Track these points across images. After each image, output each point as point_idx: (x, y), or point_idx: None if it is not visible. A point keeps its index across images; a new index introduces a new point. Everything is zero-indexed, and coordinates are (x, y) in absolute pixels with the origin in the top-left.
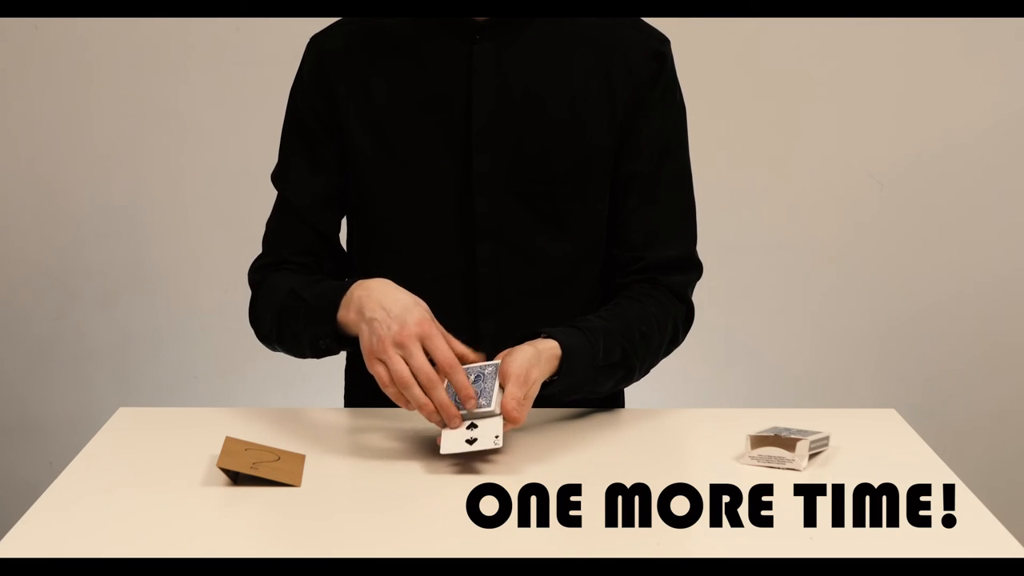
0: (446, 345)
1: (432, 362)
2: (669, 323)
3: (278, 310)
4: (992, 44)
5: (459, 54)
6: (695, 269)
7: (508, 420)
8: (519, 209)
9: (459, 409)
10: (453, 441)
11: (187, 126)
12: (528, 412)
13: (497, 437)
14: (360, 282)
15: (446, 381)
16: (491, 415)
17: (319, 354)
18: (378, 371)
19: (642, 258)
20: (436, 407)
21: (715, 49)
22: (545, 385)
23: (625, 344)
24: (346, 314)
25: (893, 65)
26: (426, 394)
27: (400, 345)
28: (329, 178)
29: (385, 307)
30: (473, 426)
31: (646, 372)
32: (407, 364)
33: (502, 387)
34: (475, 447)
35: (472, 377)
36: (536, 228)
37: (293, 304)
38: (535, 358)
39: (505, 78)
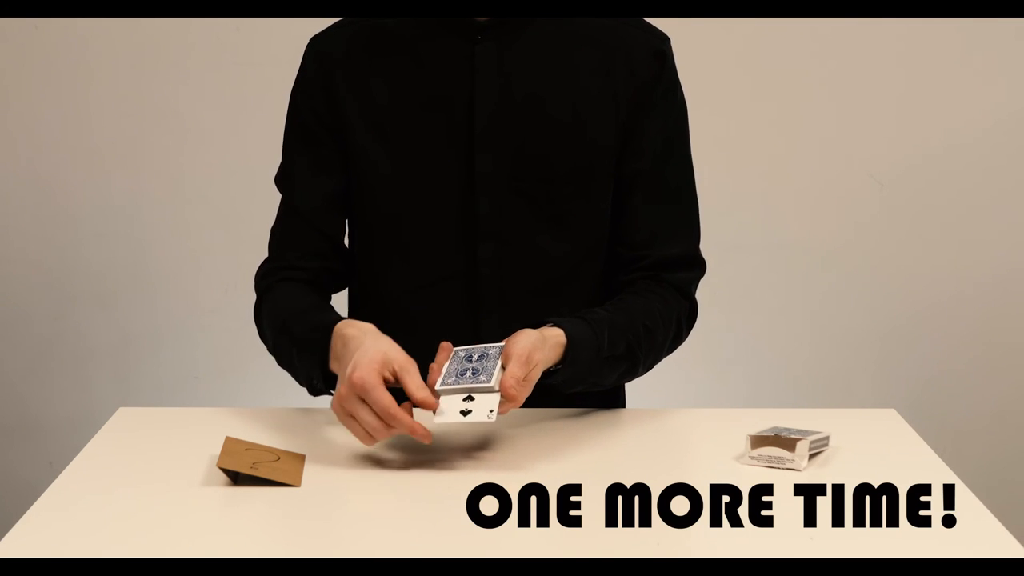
0: (383, 398)
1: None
2: (673, 319)
3: (275, 338)
4: (992, 44)
5: (461, 54)
6: (699, 266)
7: (506, 398)
8: (521, 209)
9: (461, 384)
10: (448, 412)
11: (187, 126)
12: (527, 395)
13: (492, 412)
14: (339, 329)
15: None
16: (490, 391)
17: (315, 393)
18: (350, 425)
19: (647, 256)
20: (407, 431)
21: (715, 49)
22: (550, 374)
23: (630, 337)
24: (335, 363)
25: (893, 65)
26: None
27: (341, 409)
28: (333, 179)
29: (349, 359)
30: (470, 399)
31: (650, 367)
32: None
33: (504, 367)
34: (468, 419)
35: (476, 356)
36: (538, 228)
37: (286, 340)
38: (539, 342)
39: (507, 78)
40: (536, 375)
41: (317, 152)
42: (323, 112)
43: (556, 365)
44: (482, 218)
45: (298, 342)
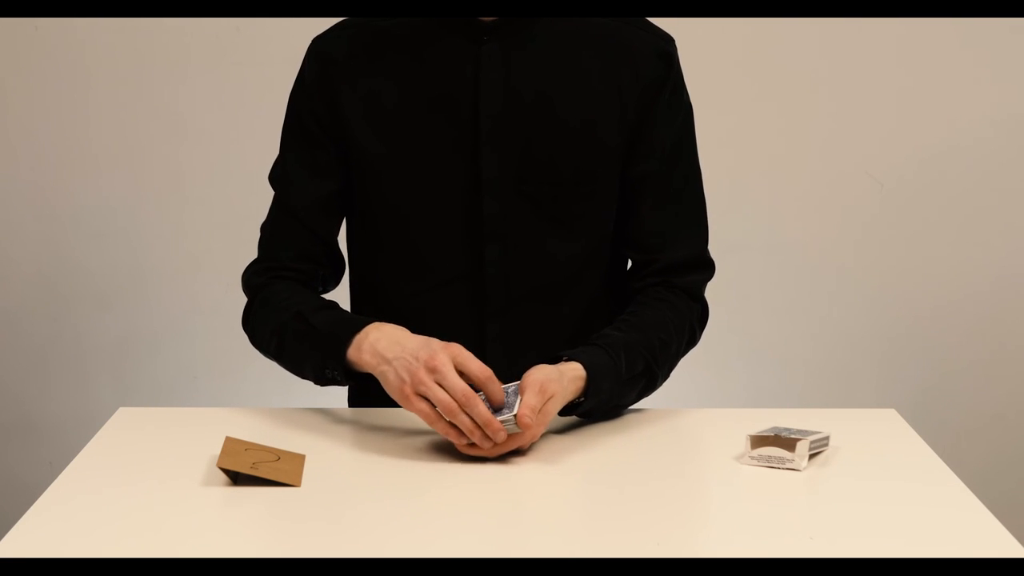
0: (458, 380)
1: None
2: (686, 326)
3: (279, 327)
4: (992, 44)
5: (466, 56)
6: (708, 267)
7: (522, 427)
8: (527, 210)
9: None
10: None
11: (187, 126)
12: (544, 427)
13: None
14: (376, 324)
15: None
16: (510, 421)
17: (323, 382)
18: (421, 408)
19: (657, 260)
20: (479, 423)
21: (716, 49)
22: (574, 407)
23: (646, 354)
24: (358, 354)
25: (893, 65)
26: (467, 413)
27: (433, 370)
28: (329, 182)
29: (403, 344)
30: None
31: (666, 378)
32: (444, 388)
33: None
34: None
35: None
36: (544, 229)
37: (299, 328)
38: (555, 374)
39: (513, 79)
40: (553, 407)
41: (315, 154)
42: (323, 114)
43: (579, 398)
44: (488, 220)
45: (317, 331)
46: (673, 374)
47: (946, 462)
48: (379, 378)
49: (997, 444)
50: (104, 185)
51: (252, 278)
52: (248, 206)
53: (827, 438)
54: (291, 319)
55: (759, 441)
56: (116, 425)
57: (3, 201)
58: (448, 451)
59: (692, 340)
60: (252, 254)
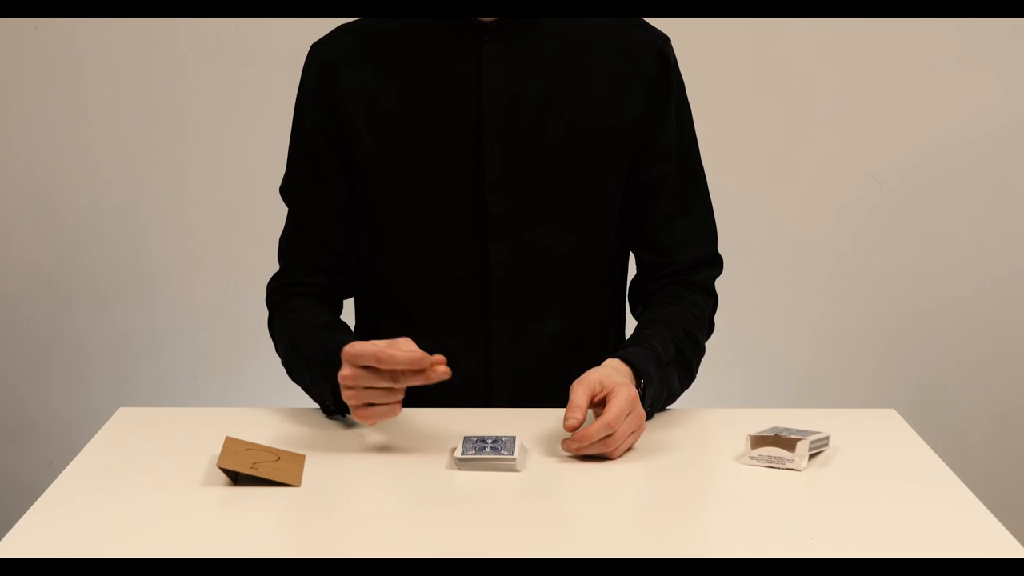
0: (370, 347)
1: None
2: (706, 318)
3: (285, 354)
4: (992, 44)
5: (468, 56)
6: (718, 264)
7: (567, 429)
8: (531, 210)
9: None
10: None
11: (187, 126)
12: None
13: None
14: (344, 351)
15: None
16: (511, 467)
17: (328, 413)
18: (367, 413)
19: (673, 261)
20: (407, 366)
21: (715, 49)
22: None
23: (674, 340)
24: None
25: (893, 65)
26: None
27: (348, 386)
28: (338, 195)
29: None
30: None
31: (698, 363)
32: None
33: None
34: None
35: (490, 440)
36: (549, 227)
37: (299, 360)
38: (603, 370)
39: (515, 79)
40: (629, 395)
41: (322, 168)
42: (327, 124)
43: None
44: (493, 219)
45: (309, 363)
46: None
47: (946, 462)
48: None
49: (997, 444)
50: (104, 185)
51: (271, 295)
52: (248, 206)
53: (827, 438)
54: (289, 349)
55: (759, 441)
56: (116, 425)
57: (3, 201)
58: (447, 452)
59: (711, 331)
60: (252, 254)
